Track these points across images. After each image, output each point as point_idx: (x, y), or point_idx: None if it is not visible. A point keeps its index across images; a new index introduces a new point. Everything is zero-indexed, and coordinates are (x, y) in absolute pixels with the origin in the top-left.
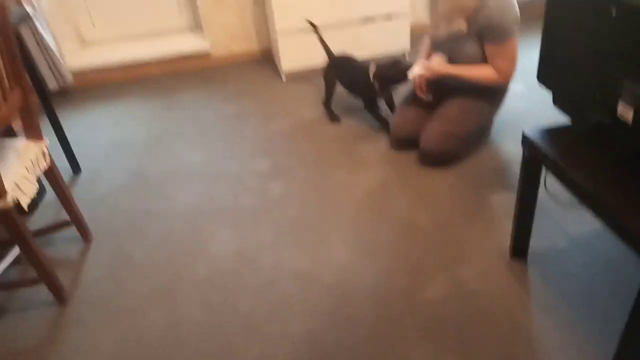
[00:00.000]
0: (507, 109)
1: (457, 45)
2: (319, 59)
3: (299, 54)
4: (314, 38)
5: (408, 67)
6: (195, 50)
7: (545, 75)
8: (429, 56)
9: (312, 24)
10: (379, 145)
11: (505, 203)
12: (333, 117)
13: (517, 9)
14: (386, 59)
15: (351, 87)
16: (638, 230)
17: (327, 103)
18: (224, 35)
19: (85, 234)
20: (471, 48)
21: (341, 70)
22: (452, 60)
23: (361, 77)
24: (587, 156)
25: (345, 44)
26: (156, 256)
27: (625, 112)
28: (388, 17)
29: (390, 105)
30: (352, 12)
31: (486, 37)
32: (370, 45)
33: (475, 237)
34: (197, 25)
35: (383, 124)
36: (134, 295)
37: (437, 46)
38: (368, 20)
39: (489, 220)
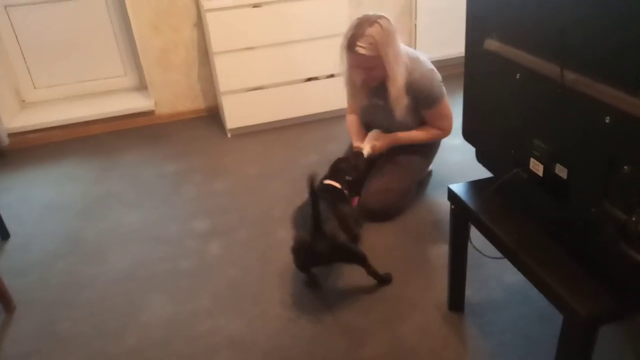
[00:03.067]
0: (445, 162)
1: (389, 116)
2: (264, 116)
3: (243, 112)
4: (258, 96)
5: (356, 154)
6: (139, 108)
7: (468, 132)
8: (359, 132)
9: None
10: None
11: (443, 255)
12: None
13: (437, 72)
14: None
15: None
16: (553, 284)
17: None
18: (169, 93)
19: (6, 304)
20: (402, 117)
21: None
22: (387, 130)
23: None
24: (507, 210)
25: (290, 103)
26: (84, 327)
27: (536, 167)
28: (331, 76)
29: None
30: (296, 73)
31: (422, 105)
32: (314, 103)
33: (414, 291)
34: (142, 85)
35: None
36: None
37: (370, 120)
38: (311, 79)
39: (428, 274)
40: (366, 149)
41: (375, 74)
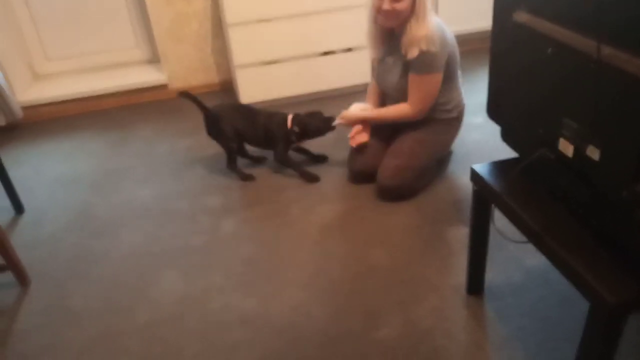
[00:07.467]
0: (466, 141)
1: (392, 77)
2: (279, 91)
3: (258, 86)
4: (273, 70)
5: (330, 118)
6: (152, 82)
7: (493, 111)
8: (374, 101)
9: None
10: (337, 179)
11: (461, 237)
12: (244, 176)
13: (450, 48)
14: (304, 111)
15: (258, 139)
16: (580, 270)
17: (230, 163)
18: (182, 67)
19: (22, 278)
20: (397, 78)
21: (236, 121)
22: (385, 92)
23: (275, 125)
24: (532, 192)
25: (305, 78)
26: (95, 302)
27: (565, 147)
28: (348, 50)
29: (301, 150)
30: (312, 46)
31: (411, 66)
32: (330, 78)
33: (432, 273)
34: (154, 58)
35: (303, 174)
36: (72, 345)
37: (378, 79)
38: (328, 53)
39: (446, 255)
40: (338, 118)
41: (400, 6)
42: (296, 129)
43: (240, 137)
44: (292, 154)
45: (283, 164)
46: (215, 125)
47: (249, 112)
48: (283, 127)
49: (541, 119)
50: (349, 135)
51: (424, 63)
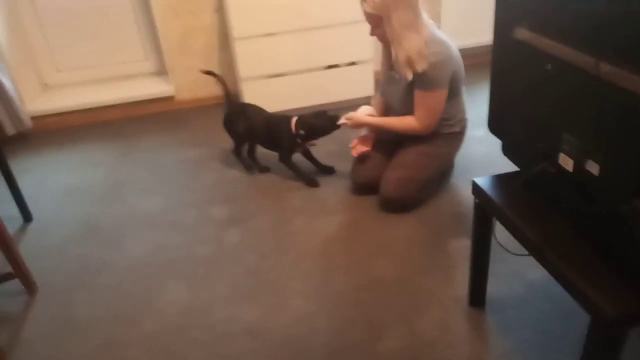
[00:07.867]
0: (468, 154)
1: (396, 92)
2: (283, 103)
3: (263, 99)
4: (278, 83)
5: (335, 116)
6: (158, 94)
7: (494, 125)
8: (378, 113)
9: (212, 74)
10: (340, 190)
11: (464, 249)
12: (248, 167)
13: (455, 65)
14: (308, 112)
15: (264, 140)
16: (580, 283)
17: (237, 151)
18: (189, 79)
19: (29, 286)
20: (401, 93)
21: (250, 121)
22: (390, 106)
23: (280, 127)
24: (533, 205)
25: (309, 91)
26: (100, 312)
27: (565, 162)
28: (352, 64)
29: (310, 158)
30: (316, 60)
31: (416, 83)
32: (334, 91)
33: (434, 285)
34: (162, 70)
35: (303, 177)
36: (77, 355)
37: (383, 92)
38: (332, 67)
39: (448, 268)
40: (344, 118)
41: (377, 32)
42: (301, 131)
43: (251, 137)
44: (302, 162)
45: (286, 165)
46: (231, 120)
47: (261, 115)
48: (289, 132)
49: (541, 134)
50: (351, 145)
51: (428, 79)
